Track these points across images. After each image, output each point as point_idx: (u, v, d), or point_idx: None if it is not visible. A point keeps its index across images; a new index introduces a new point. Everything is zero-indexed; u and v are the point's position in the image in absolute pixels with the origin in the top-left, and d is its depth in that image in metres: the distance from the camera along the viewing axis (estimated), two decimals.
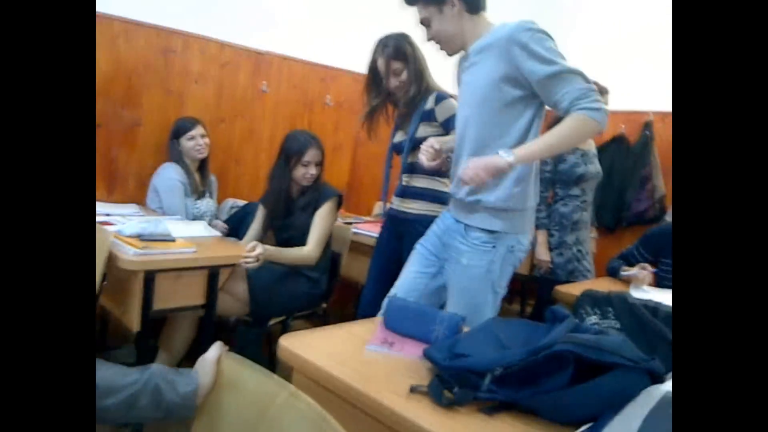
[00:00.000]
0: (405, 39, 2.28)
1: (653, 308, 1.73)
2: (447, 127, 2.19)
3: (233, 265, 2.22)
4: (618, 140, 4.14)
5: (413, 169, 2.28)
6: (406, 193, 2.31)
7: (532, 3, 4.68)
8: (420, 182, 2.29)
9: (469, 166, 1.56)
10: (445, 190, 2.25)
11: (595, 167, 2.74)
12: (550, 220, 2.74)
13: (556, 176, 2.71)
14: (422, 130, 2.24)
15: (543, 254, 2.73)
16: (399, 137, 2.37)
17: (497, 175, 1.56)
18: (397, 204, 2.34)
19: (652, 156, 3.95)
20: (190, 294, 2.10)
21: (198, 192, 2.85)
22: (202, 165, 2.92)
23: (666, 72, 3.95)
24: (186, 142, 2.81)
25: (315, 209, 2.52)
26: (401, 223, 2.32)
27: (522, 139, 1.62)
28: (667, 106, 3.95)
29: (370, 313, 2.37)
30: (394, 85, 2.27)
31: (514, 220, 1.69)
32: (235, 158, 3.32)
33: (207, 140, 2.87)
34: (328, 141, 3.67)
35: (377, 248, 2.46)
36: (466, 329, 1.36)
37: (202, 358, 1.06)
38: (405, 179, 2.32)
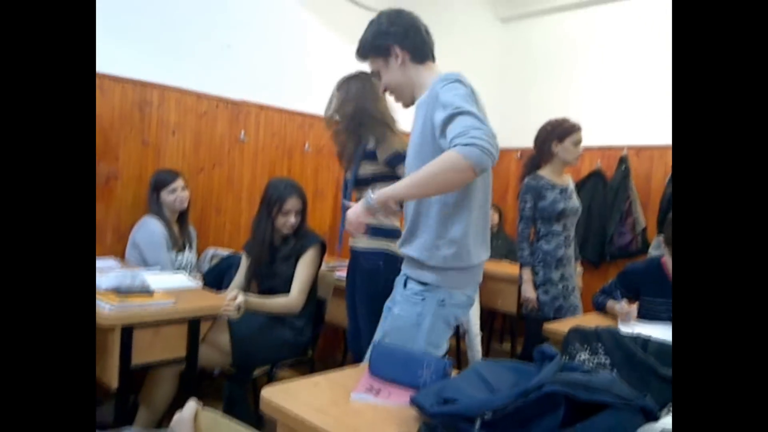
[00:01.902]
0: (346, 78, 2.42)
1: (643, 342, 1.71)
2: (391, 164, 2.26)
3: (214, 317, 2.17)
4: (595, 175, 4.19)
5: None
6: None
7: (506, 42, 4.83)
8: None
9: (347, 217, 1.56)
10: (389, 224, 2.32)
11: (573, 202, 2.76)
12: (533, 258, 2.73)
13: (536, 213, 2.72)
14: (364, 168, 2.32)
15: (529, 292, 2.71)
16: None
17: (374, 216, 1.55)
18: (351, 241, 2.41)
19: (630, 190, 4.00)
20: (170, 347, 2.04)
21: (178, 245, 2.81)
22: (182, 217, 2.89)
23: (638, 107, 4.05)
24: (166, 195, 2.79)
25: (298, 257, 2.49)
26: (353, 258, 2.42)
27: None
28: (640, 140, 4.03)
29: (355, 347, 2.46)
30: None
31: (448, 276, 1.60)
32: (215, 207, 3.29)
33: (187, 192, 2.86)
34: (309, 186, 3.67)
35: (346, 286, 2.54)
36: (454, 373, 1.33)
37: (179, 416, 1.01)
38: None
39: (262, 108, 3.45)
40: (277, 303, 2.40)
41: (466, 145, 1.31)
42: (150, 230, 2.73)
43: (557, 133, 2.71)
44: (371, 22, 1.71)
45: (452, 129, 1.37)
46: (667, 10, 3.95)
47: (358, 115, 2.33)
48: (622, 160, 4.07)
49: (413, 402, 1.14)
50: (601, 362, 1.72)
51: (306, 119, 3.65)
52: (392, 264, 2.30)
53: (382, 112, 2.37)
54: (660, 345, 1.66)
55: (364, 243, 2.32)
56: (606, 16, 4.31)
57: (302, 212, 2.53)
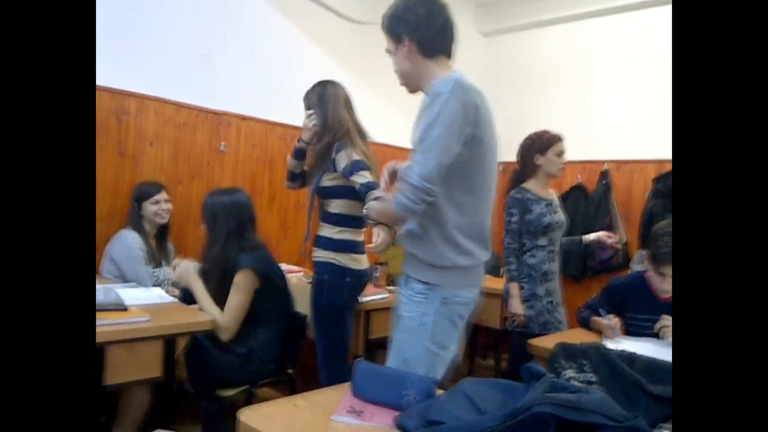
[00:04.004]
0: (317, 86, 2.41)
1: (629, 358, 1.69)
2: (346, 176, 2.24)
3: (191, 333, 2.10)
4: (577, 189, 4.21)
5: (321, 217, 2.40)
6: (316, 241, 2.39)
7: (489, 57, 4.85)
8: (324, 231, 2.37)
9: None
10: (352, 238, 2.34)
11: (559, 216, 2.74)
12: (519, 272, 2.70)
13: (523, 227, 2.69)
14: (327, 180, 2.33)
15: (516, 307, 2.66)
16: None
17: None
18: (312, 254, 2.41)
19: (611, 204, 4.02)
20: (146, 365, 1.96)
21: (155, 259, 2.75)
22: (161, 231, 2.84)
23: (619, 122, 4.08)
24: (149, 207, 2.74)
25: (231, 274, 2.30)
26: (314, 271, 2.39)
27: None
28: (620, 155, 4.06)
29: None
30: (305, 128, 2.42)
31: (449, 274, 1.62)
32: (194, 220, 3.22)
33: (170, 206, 2.81)
34: (291, 198, 3.63)
35: None
36: (439, 392, 1.29)
37: None
38: (313, 227, 2.41)
39: (243, 119, 3.40)
40: (208, 312, 2.25)
41: (398, 201, 1.50)
42: (127, 244, 2.66)
43: (539, 145, 2.71)
44: (394, 2, 1.67)
45: (404, 171, 1.56)
46: (645, 26, 4.00)
47: (323, 125, 2.33)
48: (603, 175, 4.08)
49: (397, 424, 1.10)
50: (587, 379, 1.70)
51: (288, 130, 3.60)
52: (338, 276, 2.31)
53: (345, 120, 2.34)
54: (647, 361, 1.64)
55: (315, 254, 2.37)
56: (585, 32, 4.35)
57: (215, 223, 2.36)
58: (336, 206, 2.33)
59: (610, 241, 2.84)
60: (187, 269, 2.34)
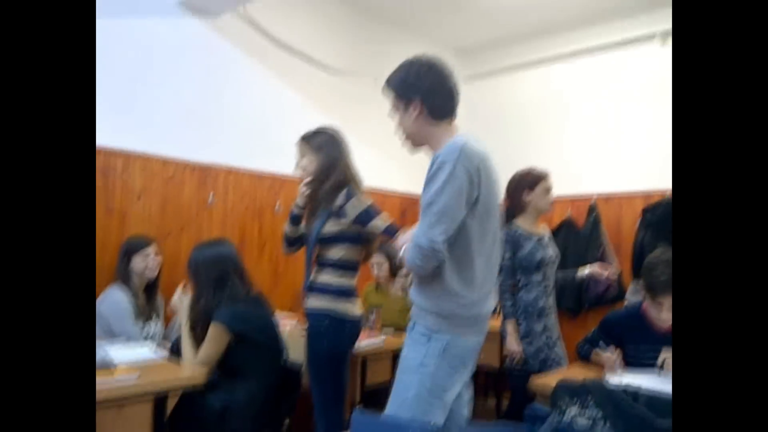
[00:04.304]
0: (312, 133, 2.38)
1: (633, 393, 1.65)
2: (360, 222, 2.22)
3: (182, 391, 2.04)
4: (566, 224, 4.22)
5: (319, 263, 2.32)
6: (312, 288, 2.31)
7: (471, 100, 4.93)
8: (322, 277, 2.29)
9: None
10: (350, 283, 2.30)
11: (552, 251, 2.73)
12: (515, 309, 2.67)
13: (516, 264, 2.67)
14: (329, 226, 2.26)
15: (514, 345, 2.62)
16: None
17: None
18: (306, 302, 2.33)
19: (601, 237, 4.03)
20: (135, 426, 1.89)
21: (144, 315, 2.70)
22: (150, 286, 2.80)
23: (603, 157, 4.14)
24: (138, 262, 2.72)
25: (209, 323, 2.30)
26: (307, 321, 2.32)
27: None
28: (607, 188, 4.09)
29: None
30: (299, 175, 2.37)
31: (452, 322, 1.67)
32: (183, 273, 3.17)
33: (159, 259, 2.79)
34: (280, 246, 3.59)
35: None
36: None
37: None
38: (311, 274, 2.33)
39: (230, 170, 3.41)
40: (184, 350, 2.27)
41: (409, 260, 1.62)
42: (115, 300, 2.62)
43: (527, 182, 2.72)
44: (403, 65, 1.75)
45: (416, 230, 1.62)
46: (622, 64, 4.10)
47: (327, 169, 2.30)
48: (592, 208, 4.11)
49: None
50: (592, 416, 1.66)
51: (276, 180, 3.61)
52: (337, 326, 2.24)
53: (349, 167, 2.34)
54: (651, 395, 1.61)
55: (311, 303, 2.29)
56: (563, 72, 4.45)
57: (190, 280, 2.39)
58: (337, 252, 2.28)
59: (604, 274, 2.82)
60: (180, 302, 2.35)
